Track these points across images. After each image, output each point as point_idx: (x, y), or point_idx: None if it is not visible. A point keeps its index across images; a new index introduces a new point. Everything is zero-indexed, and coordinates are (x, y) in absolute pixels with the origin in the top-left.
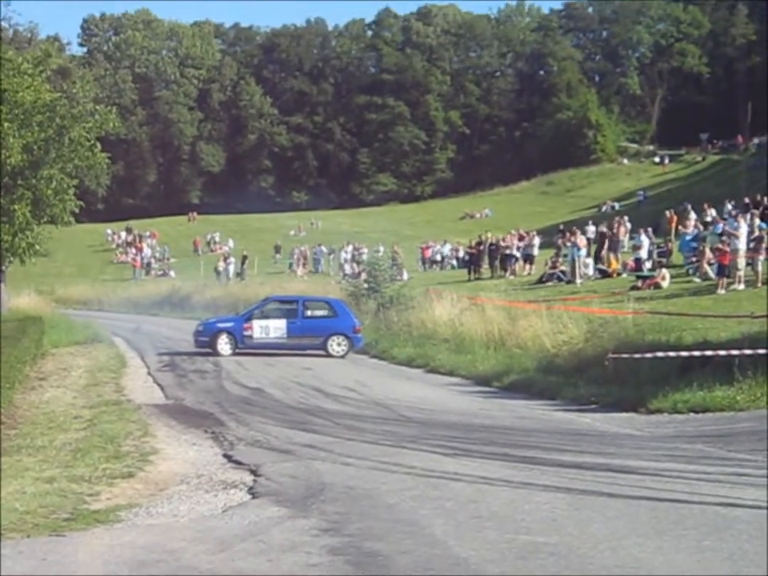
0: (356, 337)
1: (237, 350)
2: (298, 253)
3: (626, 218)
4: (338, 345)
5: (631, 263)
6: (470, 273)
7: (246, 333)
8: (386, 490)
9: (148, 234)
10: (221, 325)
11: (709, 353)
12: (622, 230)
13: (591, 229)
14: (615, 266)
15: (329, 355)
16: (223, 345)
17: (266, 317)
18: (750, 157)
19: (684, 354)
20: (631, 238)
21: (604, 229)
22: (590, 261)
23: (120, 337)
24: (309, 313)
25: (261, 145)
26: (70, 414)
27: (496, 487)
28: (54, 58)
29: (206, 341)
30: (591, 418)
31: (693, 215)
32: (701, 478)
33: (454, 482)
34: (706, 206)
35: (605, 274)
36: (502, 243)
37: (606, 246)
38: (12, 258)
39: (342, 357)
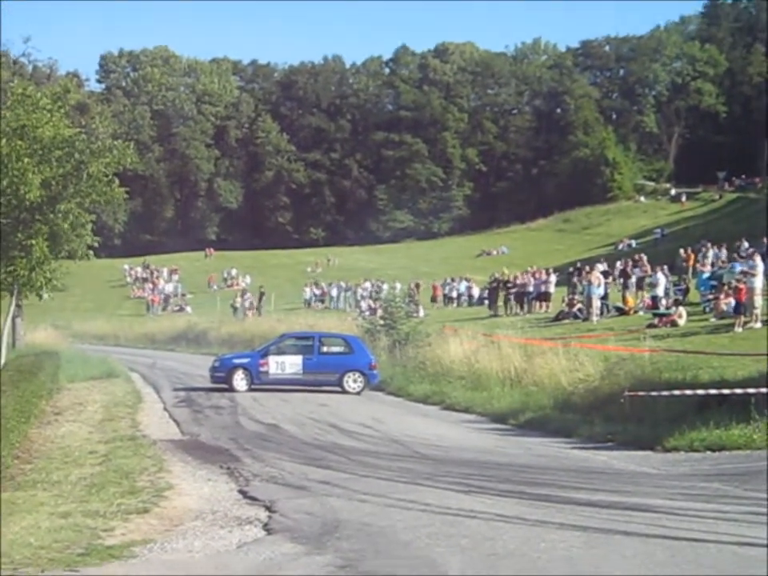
0: (372, 373)
1: (252, 386)
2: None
3: (644, 256)
4: (354, 381)
5: (648, 301)
6: (490, 309)
7: (261, 369)
8: (401, 527)
9: (166, 269)
10: (237, 361)
11: (725, 391)
12: (639, 268)
13: (601, 267)
14: (632, 303)
15: (344, 392)
16: (239, 381)
17: (282, 353)
18: None
19: (700, 392)
20: (648, 276)
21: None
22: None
23: (136, 372)
24: (325, 349)
25: (278, 181)
26: (86, 449)
27: (511, 525)
28: (72, 93)
29: (222, 376)
30: (607, 455)
31: (711, 253)
32: (717, 517)
33: (470, 519)
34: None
35: (621, 312)
36: (519, 281)
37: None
38: (29, 293)
39: (358, 393)
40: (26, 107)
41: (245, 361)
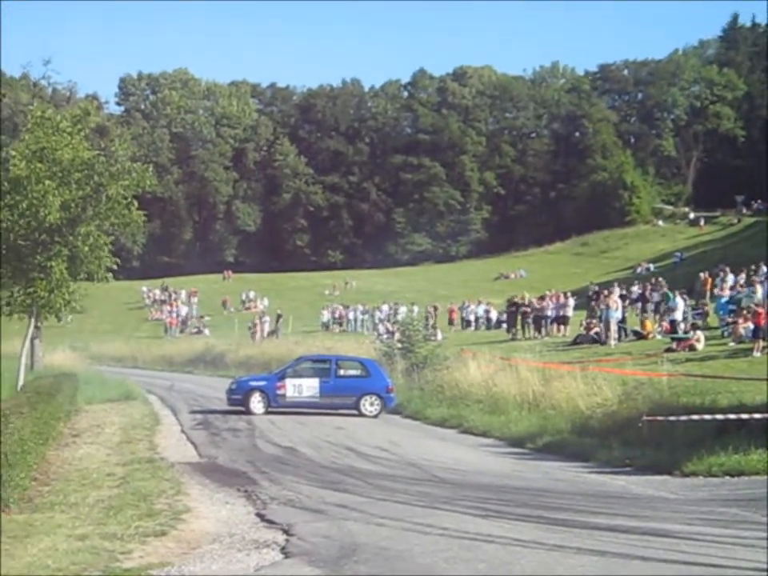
0: (389, 396)
1: (269, 409)
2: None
3: (661, 280)
4: (371, 404)
5: (666, 325)
6: (508, 332)
7: (278, 391)
8: (419, 552)
9: (185, 292)
10: (254, 383)
11: (744, 416)
12: (657, 291)
13: (618, 291)
14: (650, 327)
15: (361, 415)
16: (256, 403)
17: (299, 376)
18: None
19: (719, 416)
20: (666, 300)
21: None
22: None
23: (154, 394)
24: (342, 372)
25: (296, 204)
26: (103, 471)
27: (529, 549)
28: (92, 116)
29: (239, 399)
30: (625, 480)
31: (730, 277)
32: (736, 543)
33: (487, 543)
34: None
35: (639, 336)
36: (537, 305)
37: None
38: (48, 315)
39: (375, 416)
40: (45, 130)
41: (262, 384)
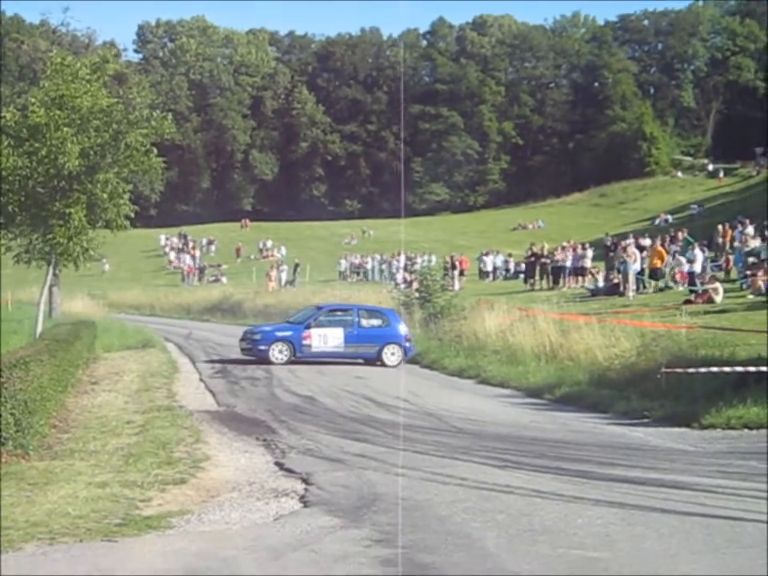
0: (408, 346)
1: (293, 360)
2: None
3: (685, 230)
4: (392, 354)
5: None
6: (526, 283)
7: (305, 342)
8: (438, 502)
9: (205, 239)
10: (280, 333)
11: (763, 368)
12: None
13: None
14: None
15: (383, 364)
16: (280, 354)
17: (325, 325)
18: None
19: (738, 369)
20: (684, 252)
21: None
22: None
23: (171, 342)
24: (364, 322)
25: (313, 153)
26: (122, 419)
27: (548, 501)
28: (111, 63)
29: (264, 350)
30: (643, 432)
31: (749, 229)
32: (755, 495)
33: (506, 494)
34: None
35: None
36: (556, 256)
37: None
38: (66, 263)
39: (396, 366)
40: (64, 77)
41: (288, 334)
